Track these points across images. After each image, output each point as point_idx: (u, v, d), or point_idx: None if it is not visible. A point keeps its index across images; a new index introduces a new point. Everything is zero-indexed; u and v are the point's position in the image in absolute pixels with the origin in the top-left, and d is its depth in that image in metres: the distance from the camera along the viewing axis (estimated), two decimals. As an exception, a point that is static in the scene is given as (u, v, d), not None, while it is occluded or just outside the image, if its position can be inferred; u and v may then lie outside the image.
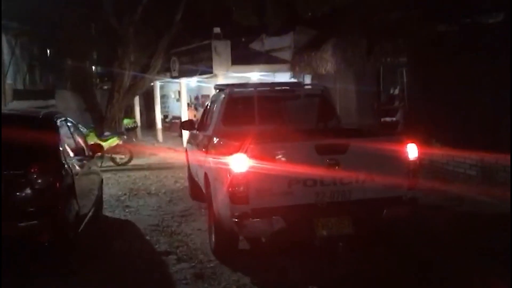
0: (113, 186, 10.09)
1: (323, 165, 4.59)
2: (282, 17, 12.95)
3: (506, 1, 7.60)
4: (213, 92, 8.04)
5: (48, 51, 19.79)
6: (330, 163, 4.60)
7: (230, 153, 4.62)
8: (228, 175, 4.59)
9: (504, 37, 7.44)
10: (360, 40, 10.52)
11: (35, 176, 4.48)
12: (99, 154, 8.38)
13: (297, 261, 5.10)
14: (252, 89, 6.48)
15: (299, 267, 4.99)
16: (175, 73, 17.07)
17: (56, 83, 21.55)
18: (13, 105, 14.88)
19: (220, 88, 7.36)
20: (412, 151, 4.86)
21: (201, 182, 6.64)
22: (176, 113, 21.74)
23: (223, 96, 6.68)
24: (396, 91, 12.30)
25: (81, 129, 13.71)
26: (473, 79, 7.98)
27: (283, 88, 7.10)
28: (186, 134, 12.05)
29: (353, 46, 10.73)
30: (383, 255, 5.22)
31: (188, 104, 18.82)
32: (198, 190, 7.30)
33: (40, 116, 5.44)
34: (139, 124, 21.03)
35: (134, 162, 13.03)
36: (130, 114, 21.44)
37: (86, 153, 6.46)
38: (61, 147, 5.05)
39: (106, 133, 13.44)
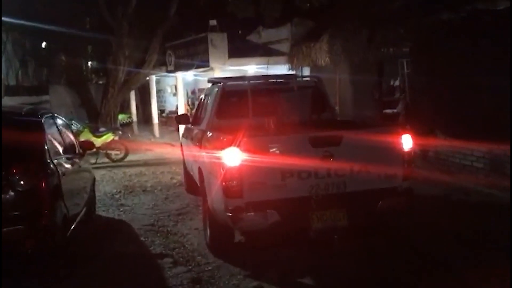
0: (107, 183, 9.88)
1: (317, 157, 4.57)
2: (278, 9, 12.70)
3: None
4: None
5: (42, 46, 19.46)
6: (324, 155, 4.58)
7: (223, 147, 4.59)
8: (222, 169, 4.55)
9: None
10: (360, 30, 10.23)
11: (16, 178, 4.17)
12: (93, 150, 8.14)
13: (295, 255, 5.05)
14: (245, 82, 6.45)
15: (298, 263, 4.90)
16: (170, 67, 16.82)
17: (50, 79, 21.25)
18: (4, 101, 14.55)
19: (214, 81, 7.40)
20: (406, 141, 4.82)
21: (195, 176, 6.63)
22: (172, 108, 21.50)
23: (216, 89, 6.68)
24: (397, 83, 12.09)
25: (75, 125, 13.64)
26: (479, 68, 7.71)
27: (277, 80, 7.03)
28: (182, 128, 11.83)
29: (353, 36, 10.45)
30: (381, 247, 5.19)
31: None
32: (193, 184, 7.28)
33: (23, 113, 5.14)
34: (135, 119, 20.82)
35: (130, 158, 12.84)
36: (126, 109, 21.20)
37: (76, 151, 6.16)
38: (46, 145, 4.72)
39: (101, 129, 13.29)
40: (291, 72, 13.34)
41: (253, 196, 4.50)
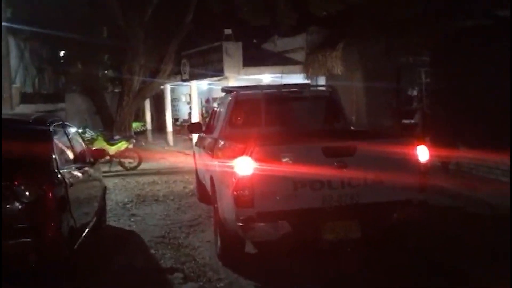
0: (120, 192, 9.78)
1: (330, 167, 4.48)
2: (294, 17, 12.59)
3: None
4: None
5: (59, 54, 19.66)
6: (337, 166, 4.50)
7: (235, 156, 4.54)
8: (233, 178, 4.51)
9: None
10: (378, 39, 10.04)
11: (21, 188, 4.03)
12: (107, 158, 8.02)
13: (307, 267, 4.92)
14: (258, 91, 6.41)
15: (310, 275, 4.76)
16: (185, 76, 16.81)
17: (66, 87, 21.42)
18: (19, 109, 14.64)
19: (227, 90, 7.38)
20: (422, 153, 4.71)
21: (207, 185, 6.58)
22: (185, 117, 21.49)
23: (229, 98, 6.66)
24: (415, 92, 11.82)
25: (89, 133, 13.63)
26: (503, 78, 7.44)
27: (290, 90, 6.94)
28: (196, 137, 11.75)
29: (370, 44, 10.25)
30: (395, 259, 5.06)
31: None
32: (206, 193, 7.19)
33: (30, 121, 5.03)
34: (149, 127, 20.82)
35: (143, 166, 12.74)
36: (141, 117, 21.21)
37: (87, 160, 6.03)
38: (54, 154, 4.59)
39: (116, 137, 13.26)
40: (306, 81, 13.22)
41: (264, 206, 4.43)
